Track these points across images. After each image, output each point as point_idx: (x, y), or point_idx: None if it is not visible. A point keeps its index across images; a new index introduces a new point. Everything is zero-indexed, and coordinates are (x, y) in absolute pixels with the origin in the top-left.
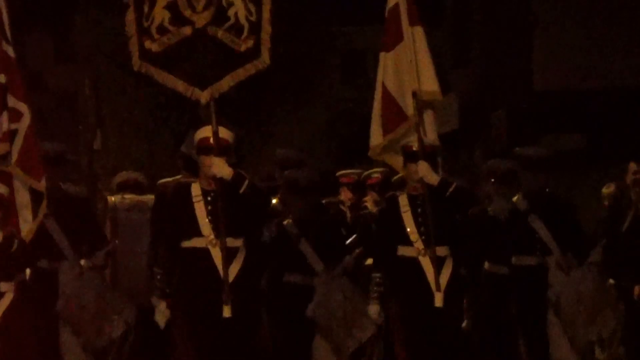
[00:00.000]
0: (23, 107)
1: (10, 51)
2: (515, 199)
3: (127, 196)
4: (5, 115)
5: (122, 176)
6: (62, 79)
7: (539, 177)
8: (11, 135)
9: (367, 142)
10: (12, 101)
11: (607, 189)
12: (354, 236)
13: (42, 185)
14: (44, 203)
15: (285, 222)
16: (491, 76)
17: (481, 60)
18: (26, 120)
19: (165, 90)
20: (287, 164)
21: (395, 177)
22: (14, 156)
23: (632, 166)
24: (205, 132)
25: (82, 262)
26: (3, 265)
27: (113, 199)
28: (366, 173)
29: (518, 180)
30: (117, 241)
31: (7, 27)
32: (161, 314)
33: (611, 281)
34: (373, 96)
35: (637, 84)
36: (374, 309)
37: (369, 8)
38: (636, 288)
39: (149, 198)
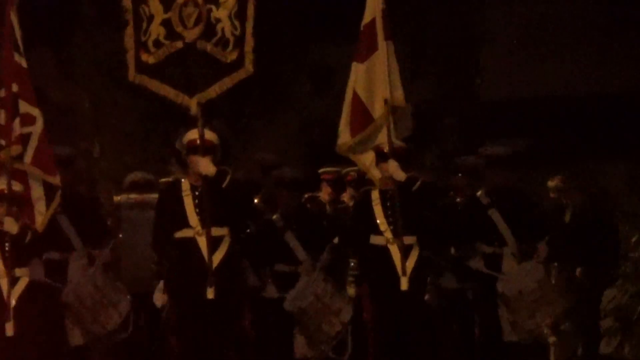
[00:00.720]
0: (35, 112)
1: (23, 62)
2: (479, 193)
3: (132, 195)
4: (17, 120)
5: (134, 176)
6: (63, 93)
7: (503, 174)
8: (24, 138)
9: (335, 145)
10: (24, 107)
11: (552, 182)
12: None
13: (57, 179)
14: (58, 195)
15: (274, 217)
16: (443, 87)
17: (434, 73)
18: (39, 123)
19: (155, 103)
20: (266, 165)
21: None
22: (29, 156)
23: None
24: (193, 134)
25: (95, 252)
26: (19, 254)
27: (118, 198)
28: (344, 171)
29: (482, 175)
30: (120, 235)
31: (19, 40)
32: (159, 294)
33: (555, 264)
34: (340, 106)
35: (572, 93)
36: (350, 291)
37: (335, 30)
38: (578, 270)
39: (151, 197)
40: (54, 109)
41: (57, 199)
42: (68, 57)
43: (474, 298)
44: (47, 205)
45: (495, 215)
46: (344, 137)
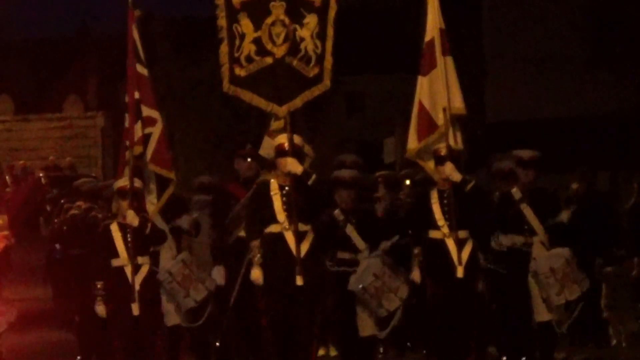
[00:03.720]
0: (156, 114)
1: (145, 71)
2: (513, 190)
3: (202, 197)
4: (139, 124)
5: (201, 179)
6: None
7: (529, 173)
8: (145, 138)
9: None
10: (146, 111)
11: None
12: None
13: (172, 174)
14: (171, 188)
15: (335, 212)
16: None
17: None
18: (159, 124)
19: (219, 123)
20: (344, 166)
21: (418, 177)
22: (149, 154)
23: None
24: (282, 139)
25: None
26: (140, 244)
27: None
28: (401, 173)
29: (515, 176)
30: None
31: (141, 52)
32: (255, 276)
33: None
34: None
35: (562, 115)
36: (416, 275)
37: (366, 62)
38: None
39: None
40: None
41: (169, 192)
42: None
43: (509, 279)
44: (159, 197)
45: (526, 209)
46: (412, 142)
